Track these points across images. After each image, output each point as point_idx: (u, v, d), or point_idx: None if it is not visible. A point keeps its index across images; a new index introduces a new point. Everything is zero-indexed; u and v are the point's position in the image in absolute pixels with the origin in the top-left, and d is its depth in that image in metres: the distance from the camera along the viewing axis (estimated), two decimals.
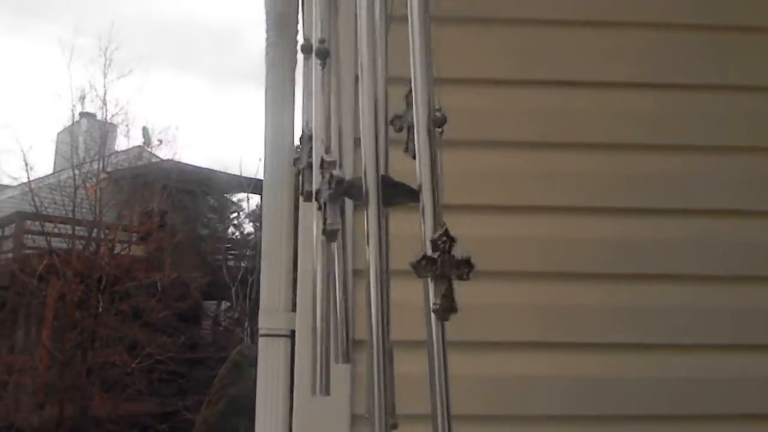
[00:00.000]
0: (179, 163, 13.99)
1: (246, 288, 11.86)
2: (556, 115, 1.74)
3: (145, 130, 14.39)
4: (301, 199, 1.64)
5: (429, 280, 0.75)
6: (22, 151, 13.67)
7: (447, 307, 0.74)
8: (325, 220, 0.80)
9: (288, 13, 2.05)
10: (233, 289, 11.98)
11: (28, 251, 11.99)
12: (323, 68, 0.86)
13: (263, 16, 2.15)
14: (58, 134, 14.40)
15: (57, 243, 11.51)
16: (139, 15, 25.23)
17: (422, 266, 0.73)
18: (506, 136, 1.72)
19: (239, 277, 12.01)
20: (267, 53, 2.13)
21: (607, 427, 1.65)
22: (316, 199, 0.82)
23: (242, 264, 12.99)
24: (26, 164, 12.20)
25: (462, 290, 0.76)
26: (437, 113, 0.81)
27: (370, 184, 0.76)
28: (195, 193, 14.30)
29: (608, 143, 1.74)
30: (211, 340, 13.17)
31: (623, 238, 1.69)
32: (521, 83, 1.76)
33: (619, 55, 1.77)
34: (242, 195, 15.03)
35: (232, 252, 14.29)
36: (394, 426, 0.83)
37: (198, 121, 26.70)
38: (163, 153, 14.44)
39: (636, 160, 1.73)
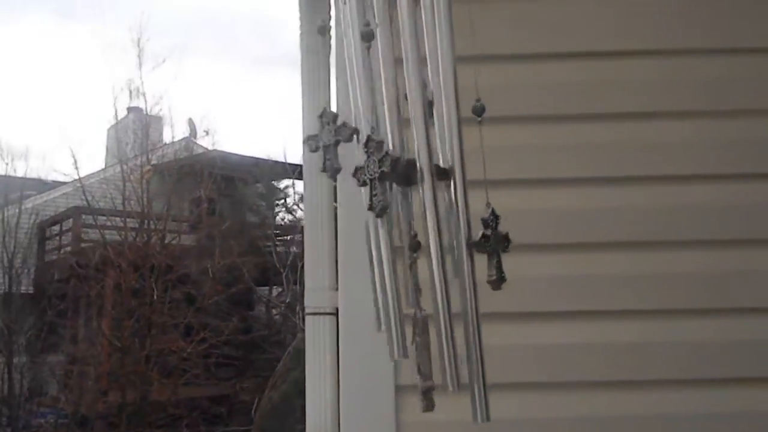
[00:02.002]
0: (225, 152, 14.21)
1: (296, 273, 12.02)
2: (587, 86, 1.75)
3: (190, 121, 14.67)
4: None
5: (466, 256, 0.83)
6: (70, 149, 14.12)
7: (499, 278, 0.84)
8: (372, 196, 0.84)
9: None
10: (284, 274, 12.15)
11: (84, 244, 12.38)
12: (368, 51, 0.90)
13: (297, 2, 2.20)
14: (108, 130, 14.76)
15: (110, 235, 11.86)
16: (178, 6, 25.55)
17: (481, 243, 0.84)
18: (537, 111, 1.74)
19: (288, 262, 12.18)
20: (301, 39, 2.17)
21: (643, 392, 1.67)
22: (356, 176, 0.86)
23: (291, 249, 13.17)
24: (75, 161, 12.59)
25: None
26: (477, 102, 0.86)
27: (424, 163, 0.82)
28: (242, 181, 14.52)
29: (640, 112, 1.74)
30: (264, 325, 13.41)
31: (657, 207, 1.69)
32: (552, 57, 1.77)
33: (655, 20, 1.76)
34: (288, 181, 15.20)
35: (281, 238, 14.49)
36: (432, 388, 0.87)
37: (241, 110, 27.02)
38: (209, 143, 14.72)
39: (670, 127, 1.73)
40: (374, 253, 0.87)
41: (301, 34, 2.16)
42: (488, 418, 0.83)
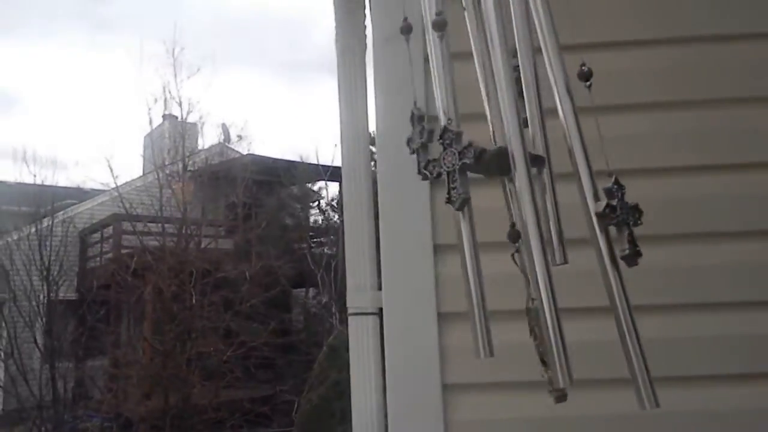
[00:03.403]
0: (258, 156, 14.33)
1: (331, 274, 12.08)
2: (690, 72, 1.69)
3: (224, 126, 14.82)
4: (378, 180, 1.69)
5: (599, 230, 0.76)
6: (107, 159, 14.36)
7: (633, 252, 0.76)
8: (451, 189, 0.80)
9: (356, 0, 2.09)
10: (319, 275, 12.22)
11: (123, 251, 12.59)
12: (441, 40, 0.86)
13: (330, 5, 2.20)
14: (144, 138, 14.99)
15: (149, 242, 12.05)
16: (208, 15, 25.85)
17: (606, 214, 0.76)
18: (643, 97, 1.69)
19: (324, 263, 12.24)
20: (337, 41, 2.17)
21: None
22: (426, 170, 0.82)
23: (326, 250, 13.24)
24: (111, 170, 12.83)
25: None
26: (583, 68, 0.83)
27: (518, 154, 0.77)
28: (276, 184, 14.62)
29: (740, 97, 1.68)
30: (302, 326, 13.50)
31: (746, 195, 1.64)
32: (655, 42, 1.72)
33: None
34: (322, 183, 15.27)
35: (316, 239, 14.57)
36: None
37: (273, 113, 27.24)
38: (242, 148, 14.86)
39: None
40: (464, 247, 0.83)
41: (336, 35, 2.16)
42: (657, 404, 0.77)
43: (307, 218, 15.69)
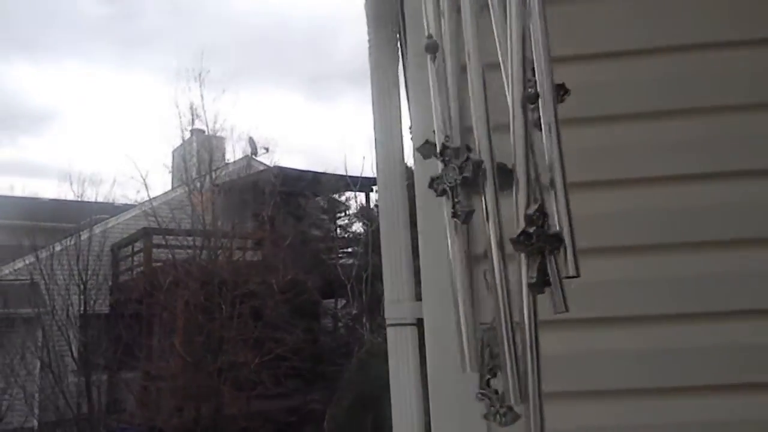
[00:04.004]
0: (285, 168, 14.44)
1: (361, 284, 12.09)
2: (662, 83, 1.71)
3: (251, 140, 14.96)
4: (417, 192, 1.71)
5: (523, 255, 0.76)
6: (139, 171, 14.59)
7: (541, 281, 0.75)
8: (455, 203, 0.82)
9: (388, 12, 2.12)
10: (348, 286, 12.24)
11: (154, 264, 12.75)
12: (433, 62, 0.89)
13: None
14: (173, 152, 15.18)
15: (179, 255, 12.20)
16: (232, 30, 26.17)
17: (520, 241, 0.76)
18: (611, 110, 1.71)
19: (353, 274, 12.26)
20: (370, 54, 2.20)
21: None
22: (431, 187, 0.85)
23: (355, 261, 13.26)
24: (145, 185, 13.05)
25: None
26: (530, 90, 0.81)
27: (519, 169, 0.79)
28: (303, 195, 14.72)
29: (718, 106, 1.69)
30: (331, 337, 13.53)
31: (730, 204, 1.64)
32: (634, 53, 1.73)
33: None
34: (350, 193, 15.32)
35: (344, 250, 14.60)
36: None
37: (299, 125, 27.43)
38: (269, 160, 14.98)
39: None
40: (453, 261, 0.85)
41: (369, 47, 2.19)
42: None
43: (336, 229, 15.74)
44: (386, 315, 2.01)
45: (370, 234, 12.30)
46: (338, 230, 15.73)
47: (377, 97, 2.15)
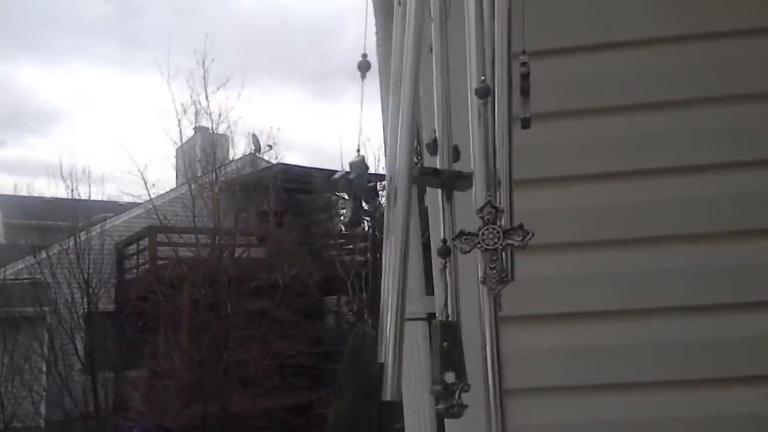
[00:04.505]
0: (288, 165, 14.41)
1: (361, 281, 12.06)
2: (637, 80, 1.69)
3: (254, 137, 14.92)
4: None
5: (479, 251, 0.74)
6: (140, 171, 14.53)
7: (496, 278, 0.75)
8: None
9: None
10: (349, 283, 12.21)
11: (159, 262, 12.75)
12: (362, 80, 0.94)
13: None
14: (176, 150, 15.16)
15: (183, 252, 12.19)
16: (235, 27, 26.16)
17: (462, 241, 0.75)
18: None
19: (353, 271, 12.23)
20: (377, 46, 2.19)
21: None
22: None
23: (355, 258, 13.22)
24: (145, 183, 13.01)
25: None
26: (482, 84, 0.81)
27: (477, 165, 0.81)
28: (306, 192, 14.69)
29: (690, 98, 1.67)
30: (335, 334, 13.52)
31: (702, 198, 1.63)
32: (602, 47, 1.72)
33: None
34: None
35: (345, 247, 14.57)
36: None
37: (302, 121, 27.44)
38: (272, 157, 14.96)
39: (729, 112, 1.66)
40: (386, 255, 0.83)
41: (378, 39, 2.18)
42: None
43: (339, 225, 15.72)
44: None
45: (372, 230, 12.28)
46: (339, 227, 15.70)
47: (385, 90, 2.13)
